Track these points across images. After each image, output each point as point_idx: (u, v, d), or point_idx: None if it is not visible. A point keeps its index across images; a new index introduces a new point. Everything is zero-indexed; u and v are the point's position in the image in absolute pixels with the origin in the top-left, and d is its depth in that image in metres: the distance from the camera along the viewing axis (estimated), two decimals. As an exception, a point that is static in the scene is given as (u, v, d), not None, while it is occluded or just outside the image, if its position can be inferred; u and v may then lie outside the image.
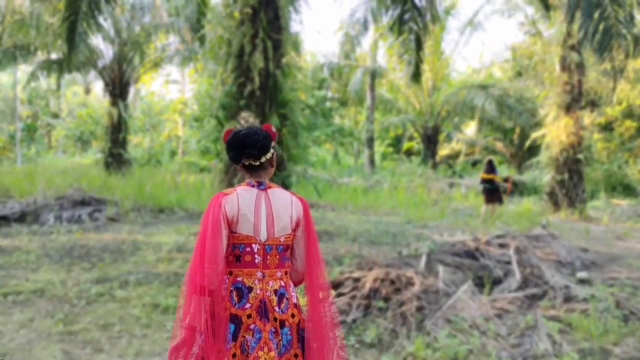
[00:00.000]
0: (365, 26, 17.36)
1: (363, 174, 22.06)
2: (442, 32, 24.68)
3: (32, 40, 20.07)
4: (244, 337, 2.20)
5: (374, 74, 22.95)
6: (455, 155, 31.68)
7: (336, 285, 5.89)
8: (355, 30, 18.15)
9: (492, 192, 13.14)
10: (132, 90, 25.24)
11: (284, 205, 2.34)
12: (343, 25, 18.54)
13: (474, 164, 29.25)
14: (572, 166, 14.78)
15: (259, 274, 2.27)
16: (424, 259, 6.39)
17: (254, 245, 2.27)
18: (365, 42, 24.26)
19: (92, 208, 11.74)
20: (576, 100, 14.85)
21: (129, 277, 6.59)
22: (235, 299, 2.24)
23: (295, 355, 2.29)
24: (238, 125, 2.59)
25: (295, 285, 2.42)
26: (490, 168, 13.23)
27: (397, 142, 34.64)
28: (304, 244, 2.39)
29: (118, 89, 21.15)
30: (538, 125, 22.19)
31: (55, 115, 40.87)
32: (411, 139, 34.45)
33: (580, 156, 14.73)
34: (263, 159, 2.32)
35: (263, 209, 2.29)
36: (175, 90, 70.50)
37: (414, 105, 26.02)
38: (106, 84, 21.25)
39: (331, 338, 2.37)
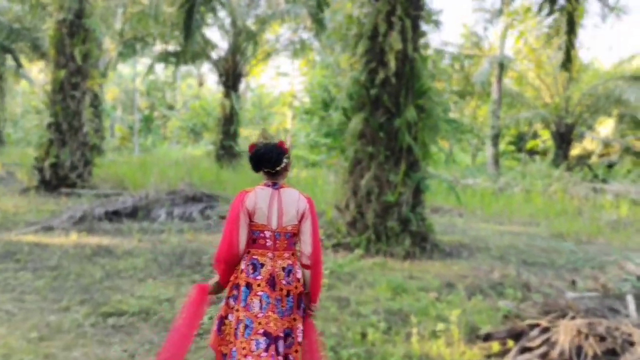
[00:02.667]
0: (499, 11, 15.38)
1: (487, 174, 19.97)
2: (581, 17, 21.84)
3: (151, 32, 20.13)
4: (252, 299, 2.84)
5: (502, 65, 20.71)
6: (587, 156, 28.39)
7: (516, 335, 4.38)
8: (486, 15, 16.20)
9: None
10: (243, 83, 24.95)
11: (291, 201, 2.89)
12: (474, 9, 16.62)
13: (610, 166, 25.93)
14: None
15: (270, 254, 2.87)
16: (631, 302, 4.68)
17: (266, 232, 2.87)
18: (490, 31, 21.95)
19: (203, 205, 11.00)
20: None
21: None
22: (251, 270, 2.86)
23: (294, 319, 2.90)
24: (261, 139, 2.94)
25: (306, 267, 2.93)
26: None
27: (519, 140, 31.80)
28: (310, 233, 2.91)
29: (231, 80, 20.72)
30: None
31: (171, 107, 42.13)
32: (535, 136, 31.45)
33: None
34: (278, 168, 2.89)
35: (275, 204, 2.86)
36: (285, 83, 71.22)
37: (544, 99, 23.36)
38: (220, 75, 20.88)
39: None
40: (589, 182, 17.97)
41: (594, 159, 27.61)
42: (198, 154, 27.04)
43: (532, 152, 31.27)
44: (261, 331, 2.79)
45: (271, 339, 2.78)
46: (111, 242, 7.94)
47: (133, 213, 10.08)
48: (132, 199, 10.56)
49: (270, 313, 2.81)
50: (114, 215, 9.83)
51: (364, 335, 4.60)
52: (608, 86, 19.50)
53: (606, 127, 28.43)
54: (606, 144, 28.30)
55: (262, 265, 2.85)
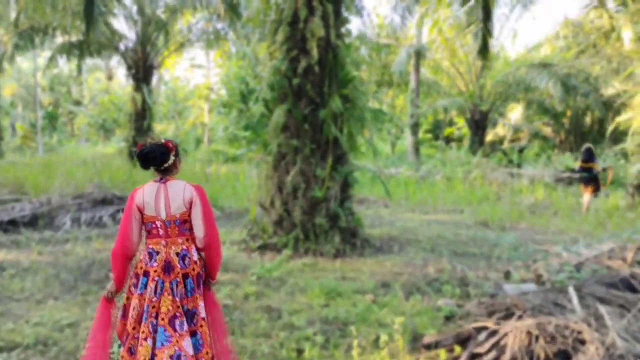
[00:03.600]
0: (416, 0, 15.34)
1: (407, 163, 20.09)
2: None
3: (50, 21, 18.50)
4: (149, 285, 3.02)
5: (419, 54, 20.84)
6: (499, 142, 29.45)
7: (463, 340, 4.07)
8: (402, 4, 16.11)
9: (590, 181, 12.20)
10: (155, 76, 23.66)
11: (177, 191, 3.09)
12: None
13: (520, 150, 27.04)
14: (665, 155, 12.68)
15: (163, 242, 3.09)
16: (574, 296, 4.52)
17: (157, 222, 3.09)
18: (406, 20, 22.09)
19: (115, 208, 10.11)
20: (671, 77, 12.70)
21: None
22: (148, 259, 3.09)
23: (196, 298, 3.08)
24: (149, 139, 3.15)
25: (201, 250, 3.16)
26: (589, 156, 12.35)
27: (435, 128, 32.52)
28: (200, 217, 3.09)
29: (142, 72, 19.49)
30: (607, 106, 19.98)
31: (78, 103, 39.58)
32: (451, 124, 32.27)
33: (677, 143, 12.61)
34: (165, 166, 3.11)
35: (162, 196, 3.08)
36: (200, 75, 69.08)
37: (459, 87, 23.86)
38: (129, 68, 19.58)
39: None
40: (505, 168, 18.48)
41: (505, 145, 28.69)
42: (109, 152, 25.46)
43: (448, 140, 32.06)
44: (156, 313, 2.97)
45: (165, 318, 2.96)
46: (5, 257, 6.98)
47: (33, 221, 9.05)
48: (31, 206, 9.49)
49: (165, 296, 2.98)
50: (10, 225, 8.77)
51: (300, 352, 4.13)
52: (518, 74, 20.10)
53: (515, 113, 29.60)
54: (516, 129, 29.48)
55: (157, 253, 3.06)
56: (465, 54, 22.84)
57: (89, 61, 29.24)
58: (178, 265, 3.04)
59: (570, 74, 18.33)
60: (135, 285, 3.08)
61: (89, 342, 3.19)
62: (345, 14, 8.02)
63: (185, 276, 3.05)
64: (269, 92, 7.67)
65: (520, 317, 4.09)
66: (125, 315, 3.12)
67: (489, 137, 28.56)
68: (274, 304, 5.26)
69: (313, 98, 7.66)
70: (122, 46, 19.87)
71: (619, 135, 22.84)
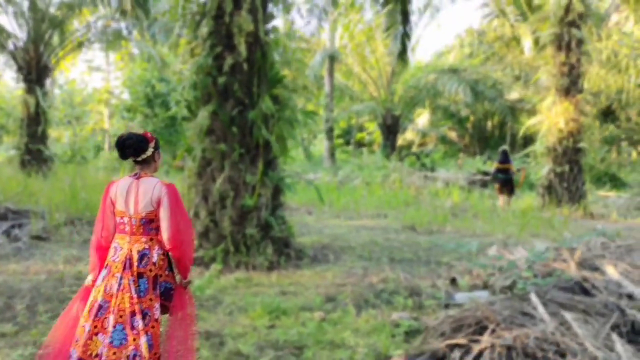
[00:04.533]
0: (333, 2, 15.13)
1: (323, 168, 19.86)
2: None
3: None
4: (109, 280, 3.01)
5: (333, 58, 20.73)
6: (408, 146, 30.15)
7: (438, 359, 3.70)
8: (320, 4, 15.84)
9: (506, 183, 12.84)
10: (49, 79, 21.78)
11: (147, 189, 3.02)
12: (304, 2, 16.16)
13: (427, 155, 27.83)
14: (572, 156, 13.33)
15: (128, 238, 3.05)
16: (539, 304, 4.31)
17: (124, 218, 3.05)
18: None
19: (9, 224, 8.91)
20: (574, 82, 13.38)
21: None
22: (112, 253, 3.07)
23: (150, 299, 3.00)
24: (132, 129, 2.27)
25: (168, 251, 3.08)
26: (505, 157, 12.97)
27: (345, 133, 32.73)
28: (166, 218, 3.00)
29: (34, 74, 17.75)
30: (513, 111, 20.91)
31: (-43, 107, 35.80)
32: (361, 129, 32.63)
33: (582, 145, 13.29)
34: (142, 157, 3.04)
35: (132, 192, 3.02)
36: (99, 79, 65.35)
37: (371, 92, 24.09)
38: (20, 68, 17.76)
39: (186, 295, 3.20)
40: (419, 171, 18.78)
41: (414, 149, 29.42)
42: (-3, 160, 23.05)
43: (359, 145, 32.40)
44: (114, 310, 2.94)
45: (123, 315, 2.93)
46: None
47: None
48: None
49: (124, 293, 2.95)
50: None
51: (255, 387, 3.57)
52: (428, 79, 20.57)
53: (423, 118, 30.46)
54: (424, 134, 30.33)
55: (121, 248, 3.04)
56: (376, 59, 23.08)
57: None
58: (135, 263, 3.00)
59: (477, 80, 18.98)
60: (100, 277, 3.09)
61: (62, 317, 3.15)
62: (272, 9, 7.52)
63: (139, 275, 3.00)
64: (191, 92, 6.99)
65: (493, 331, 3.79)
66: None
67: (399, 141, 29.16)
68: (213, 328, 4.62)
69: (241, 99, 7.08)
70: (11, 45, 18.02)
71: (519, 140, 24.07)
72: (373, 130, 31.17)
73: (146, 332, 2.94)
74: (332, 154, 21.69)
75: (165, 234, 3.00)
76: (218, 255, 6.91)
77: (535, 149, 14.07)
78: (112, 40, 20.18)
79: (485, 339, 3.66)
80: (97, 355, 2.87)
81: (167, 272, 3.10)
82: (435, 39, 61.47)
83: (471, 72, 19.23)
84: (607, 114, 21.06)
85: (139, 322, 2.92)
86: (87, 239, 8.77)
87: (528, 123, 14.98)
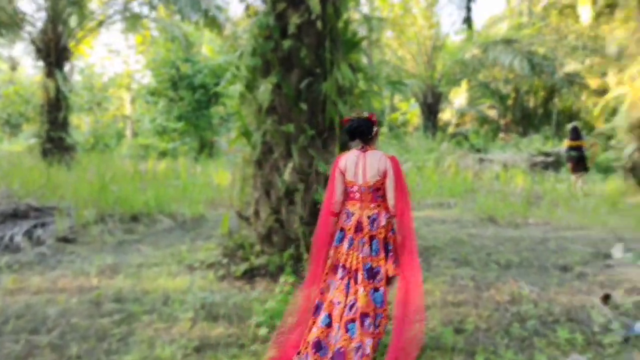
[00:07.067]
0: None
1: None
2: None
3: None
4: (344, 241, 3.36)
5: (371, 31, 19.13)
6: (444, 127, 28.48)
7: None
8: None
9: (580, 161, 11.93)
10: (68, 63, 20.55)
11: (373, 161, 3.33)
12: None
13: (466, 136, 26.17)
14: (661, 135, 11.68)
15: (358, 205, 3.37)
16: None
17: (354, 187, 3.38)
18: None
19: (31, 223, 7.68)
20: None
21: None
22: (344, 218, 3.41)
23: (380, 259, 3.28)
24: (354, 114, 3.47)
25: (393, 216, 3.32)
26: (576, 134, 12.03)
27: (380, 114, 31.14)
28: (391, 188, 3.27)
29: (54, 56, 16.51)
30: (570, 85, 19.15)
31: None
32: (394, 109, 31.00)
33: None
34: (369, 137, 3.40)
35: (360, 164, 3.35)
36: (119, 63, 64.40)
37: (408, 70, 22.46)
38: (38, 50, 16.52)
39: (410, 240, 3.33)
40: (470, 153, 17.21)
41: (451, 129, 27.72)
42: (18, 149, 21.97)
43: (390, 127, 30.78)
44: (341, 264, 3.34)
45: (349, 271, 3.30)
46: None
47: None
48: None
49: (352, 252, 3.32)
50: None
51: None
52: (475, 53, 18.87)
53: (460, 96, 28.74)
54: (461, 113, 28.63)
55: (352, 214, 3.37)
56: (415, 33, 21.43)
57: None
58: (367, 227, 3.30)
59: (532, 52, 17.27)
60: (334, 238, 3.43)
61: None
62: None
63: (371, 237, 3.31)
64: (252, 58, 5.57)
65: None
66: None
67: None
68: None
69: (310, 67, 5.65)
70: (29, 27, 16.79)
71: (562, 119, 22.27)
72: (406, 111, 29.56)
73: (376, 289, 3.24)
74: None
75: (390, 202, 3.28)
76: (286, 264, 5.55)
77: (616, 125, 12.40)
78: (132, 19, 18.85)
79: None
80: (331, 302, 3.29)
81: (391, 234, 3.34)
82: (480, 11, 58.30)
83: (526, 42, 17.51)
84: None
85: (364, 277, 3.23)
86: (121, 241, 7.50)
87: (608, 96, 13.27)
